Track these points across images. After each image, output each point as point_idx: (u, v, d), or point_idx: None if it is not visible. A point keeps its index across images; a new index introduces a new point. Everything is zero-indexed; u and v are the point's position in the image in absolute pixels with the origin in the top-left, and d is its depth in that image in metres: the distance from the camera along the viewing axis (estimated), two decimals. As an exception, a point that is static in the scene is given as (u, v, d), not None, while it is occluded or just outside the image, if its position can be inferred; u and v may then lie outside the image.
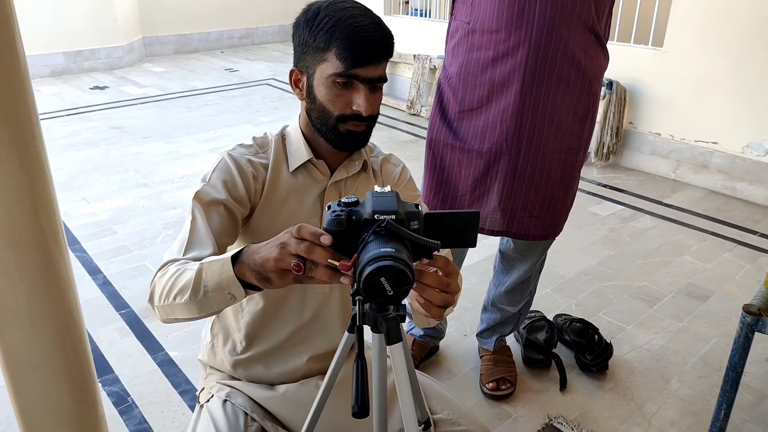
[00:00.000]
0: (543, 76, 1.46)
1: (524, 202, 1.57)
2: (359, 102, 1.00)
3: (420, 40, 4.70)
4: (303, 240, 0.74)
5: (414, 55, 4.76)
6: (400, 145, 4.09)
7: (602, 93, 3.47)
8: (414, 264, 0.79)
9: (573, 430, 1.67)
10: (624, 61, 3.51)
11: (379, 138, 4.19)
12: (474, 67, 1.53)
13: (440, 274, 0.79)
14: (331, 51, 0.98)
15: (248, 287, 0.82)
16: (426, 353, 1.94)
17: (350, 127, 1.03)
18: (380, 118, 4.69)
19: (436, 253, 0.80)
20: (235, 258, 0.82)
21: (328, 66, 0.99)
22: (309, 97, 1.05)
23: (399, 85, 5.08)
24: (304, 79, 1.05)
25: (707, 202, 3.24)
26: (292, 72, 1.07)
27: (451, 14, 1.63)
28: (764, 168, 3.17)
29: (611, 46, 1.62)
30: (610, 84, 3.53)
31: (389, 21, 4.28)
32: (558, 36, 1.44)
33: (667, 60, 3.42)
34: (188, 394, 1.81)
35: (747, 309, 1.42)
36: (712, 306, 2.27)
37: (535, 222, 1.59)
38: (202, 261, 0.87)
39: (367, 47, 0.97)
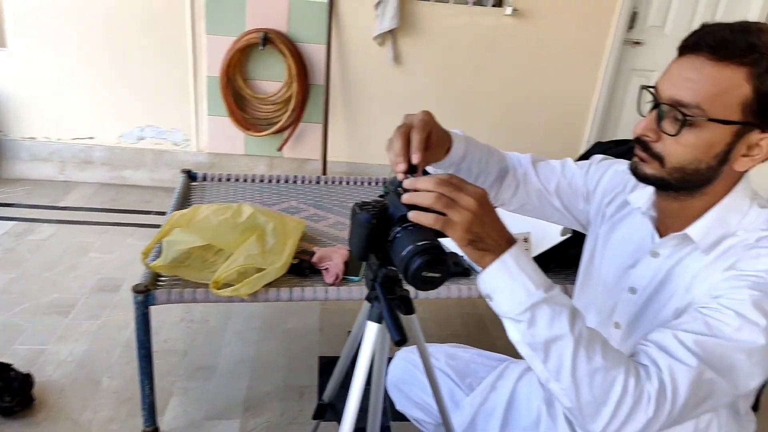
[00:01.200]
0: None
1: None
2: None
3: None
4: None
5: None
6: None
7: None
8: None
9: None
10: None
11: None
12: None
13: None
14: None
15: None
16: None
17: None
18: None
19: None
20: None
21: None
22: None
23: None
24: None
25: (100, 195, 3.34)
26: None
27: None
28: (141, 153, 3.48)
29: None
30: (-43, 91, 3.09)
31: None
32: None
33: (17, 62, 3.23)
34: None
35: (135, 289, 1.54)
36: (124, 293, 2.38)
37: None
38: None
39: None
